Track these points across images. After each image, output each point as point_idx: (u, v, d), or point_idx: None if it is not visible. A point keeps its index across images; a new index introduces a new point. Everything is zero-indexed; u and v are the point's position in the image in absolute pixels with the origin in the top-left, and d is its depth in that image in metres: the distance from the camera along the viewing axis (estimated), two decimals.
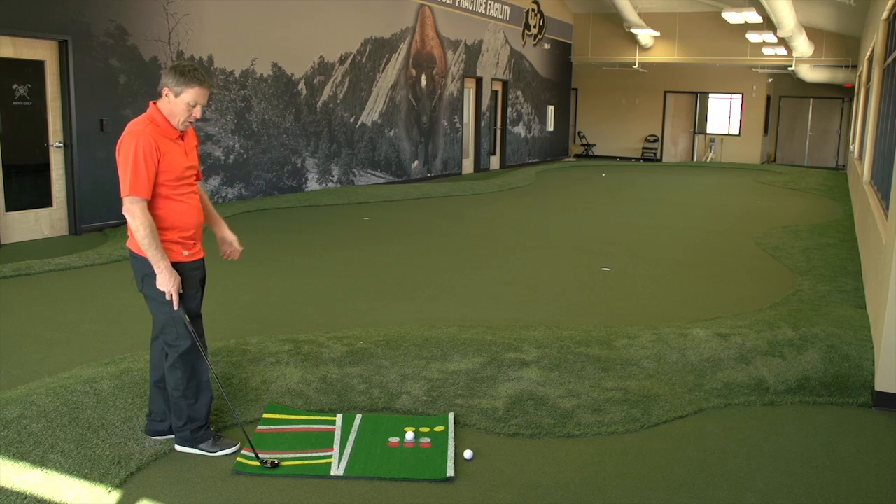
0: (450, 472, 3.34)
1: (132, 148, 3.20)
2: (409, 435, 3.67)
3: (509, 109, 19.11)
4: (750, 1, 17.50)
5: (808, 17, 18.80)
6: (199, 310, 3.46)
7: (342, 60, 12.87)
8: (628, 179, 17.02)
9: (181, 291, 3.35)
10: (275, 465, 3.36)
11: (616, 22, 21.85)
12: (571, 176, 17.51)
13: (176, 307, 3.32)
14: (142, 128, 3.25)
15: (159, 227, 3.28)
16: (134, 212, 3.19)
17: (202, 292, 3.53)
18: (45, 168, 8.51)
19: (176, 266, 3.32)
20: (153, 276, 3.30)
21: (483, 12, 17.31)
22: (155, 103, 3.35)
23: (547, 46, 20.89)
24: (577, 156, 24.45)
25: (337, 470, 3.37)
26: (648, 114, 24.24)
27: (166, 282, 3.26)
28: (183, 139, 3.40)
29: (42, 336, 5.06)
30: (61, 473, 3.18)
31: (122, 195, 3.22)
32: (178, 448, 3.50)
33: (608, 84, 24.26)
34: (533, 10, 19.77)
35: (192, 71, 3.30)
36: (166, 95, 3.30)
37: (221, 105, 10.49)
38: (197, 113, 3.37)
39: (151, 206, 3.27)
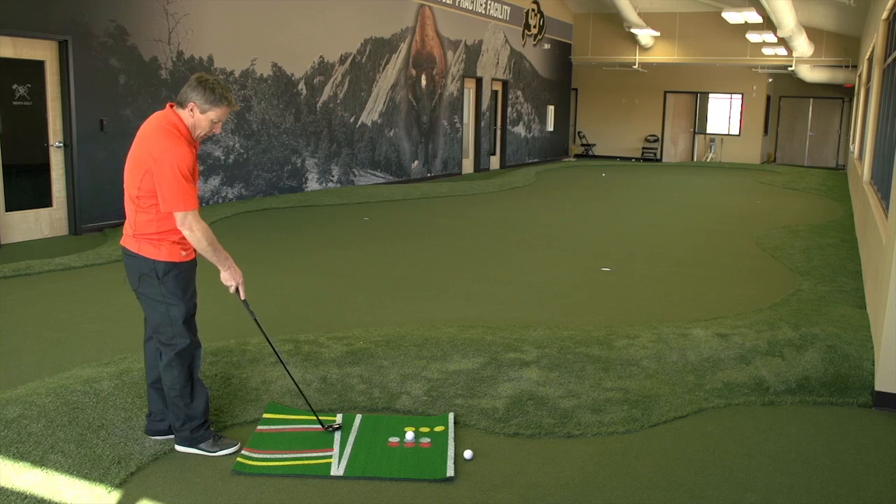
0: (450, 472, 3.34)
1: (176, 162, 3.20)
2: (409, 435, 3.67)
3: (509, 109, 19.11)
4: (750, 1, 17.50)
5: (808, 17, 18.80)
6: (195, 310, 3.47)
7: (342, 60, 12.87)
8: (628, 179, 17.02)
9: (186, 291, 3.38)
10: (338, 428, 3.71)
11: (616, 22, 21.85)
12: (571, 176, 17.51)
13: (243, 297, 3.50)
14: (177, 139, 3.25)
15: (164, 229, 3.28)
16: (192, 226, 3.23)
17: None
18: (45, 168, 8.52)
19: (176, 265, 3.32)
20: (150, 275, 3.31)
21: (483, 12, 17.31)
22: (172, 107, 3.35)
23: (547, 46, 20.89)
24: (577, 156, 24.45)
25: (337, 470, 3.37)
26: (648, 114, 24.24)
27: (234, 276, 3.42)
28: (195, 147, 3.43)
29: (42, 336, 5.06)
30: (61, 473, 3.18)
31: (172, 209, 3.21)
32: (178, 448, 3.50)
33: (608, 84, 24.26)
34: (533, 10, 19.77)
35: (222, 90, 3.32)
36: (191, 110, 3.30)
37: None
38: (217, 129, 3.41)
39: (158, 209, 3.26)
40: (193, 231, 3.24)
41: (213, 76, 3.44)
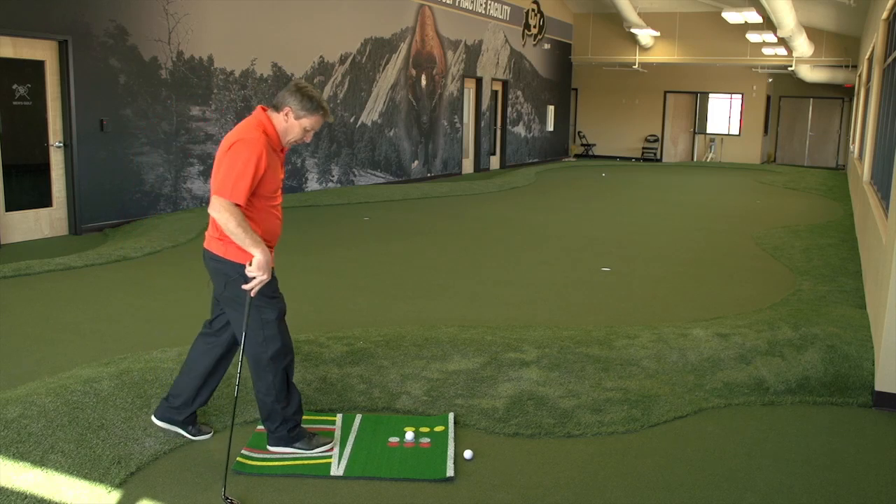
0: (450, 472, 3.34)
1: (245, 155, 3.16)
2: (409, 435, 3.67)
3: (509, 109, 19.11)
4: (750, 1, 17.50)
5: (808, 17, 18.80)
6: (286, 310, 3.45)
7: (342, 60, 12.87)
8: (628, 179, 17.02)
9: (276, 292, 3.36)
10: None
11: (616, 22, 21.85)
12: (571, 176, 17.51)
13: (252, 295, 3.24)
14: (257, 136, 3.23)
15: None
16: (219, 208, 3.13)
17: None
18: (45, 168, 8.52)
19: None
20: (238, 280, 3.25)
21: (483, 12, 17.31)
22: (265, 110, 3.34)
23: (547, 46, 20.89)
24: (577, 156, 24.45)
25: (337, 470, 3.37)
26: (648, 114, 24.24)
27: (261, 266, 3.18)
28: (282, 153, 3.40)
29: (42, 336, 5.06)
30: (61, 473, 3.18)
31: (216, 194, 3.15)
32: (272, 448, 3.49)
33: (608, 84, 24.26)
34: (533, 10, 19.77)
35: (320, 100, 3.33)
36: (286, 114, 3.31)
37: (221, 105, 10.49)
38: (308, 138, 3.41)
39: (247, 210, 3.23)
40: (221, 212, 3.12)
41: (312, 84, 3.42)
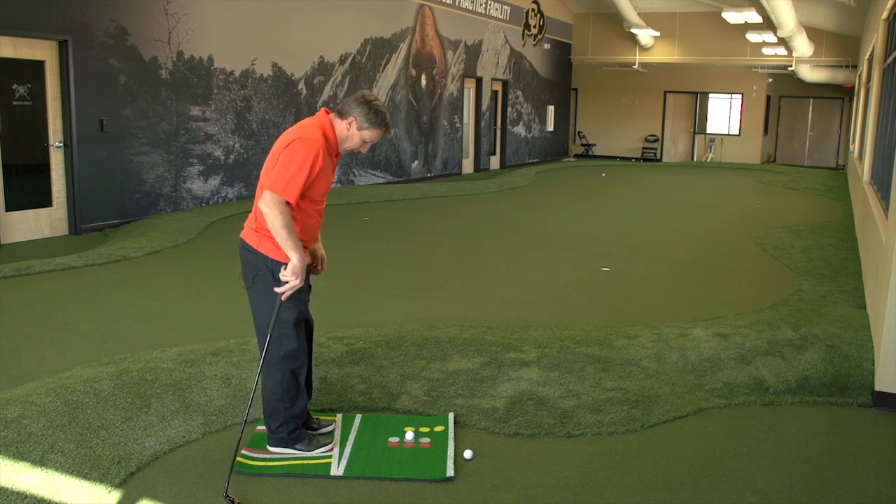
0: (450, 472, 3.34)
1: (302, 154, 3.20)
2: (409, 435, 3.67)
3: (509, 109, 19.11)
4: (750, 1, 17.50)
5: (808, 17, 18.80)
6: (307, 315, 3.45)
7: (342, 60, 12.87)
8: (628, 179, 17.02)
9: (301, 293, 3.34)
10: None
11: (616, 22, 21.85)
12: (571, 176, 17.51)
13: (284, 299, 3.27)
14: (317, 136, 3.26)
15: None
16: (271, 205, 3.16)
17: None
18: (45, 168, 8.51)
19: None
20: (266, 275, 3.28)
21: (483, 12, 17.31)
22: (329, 114, 3.37)
23: (547, 46, 20.89)
24: (577, 156, 24.45)
25: (337, 470, 3.37)
26: (648, 114, 24.24)
27: (297, 272, 3.21)
28: (336, 157, 3.42)
29: (42, 336, 5.06)
30: (61, 473, 3.18)
31: (270, 189, 3.18)
32: (272, 449, 3.49)
33: (608, 84, 24.26)
34: (533, 10, 19.77)
35: (385, 115, 3.36)
36: (349, 123, 3.33)
37: (221, 105, 10.49)
38: (365, 149, 3.44)
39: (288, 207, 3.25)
40: (271, 208, 3.16)
41: (380, 100, 3.42)
